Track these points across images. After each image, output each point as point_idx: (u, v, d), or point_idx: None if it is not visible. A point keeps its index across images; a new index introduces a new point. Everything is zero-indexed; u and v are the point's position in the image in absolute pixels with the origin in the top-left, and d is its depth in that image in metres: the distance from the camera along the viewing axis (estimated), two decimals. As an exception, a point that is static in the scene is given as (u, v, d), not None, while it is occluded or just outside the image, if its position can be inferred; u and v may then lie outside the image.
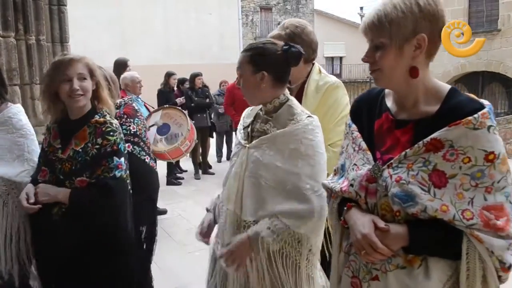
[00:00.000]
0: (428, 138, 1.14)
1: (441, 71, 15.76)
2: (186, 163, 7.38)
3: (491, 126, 1.11)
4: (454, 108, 1.15)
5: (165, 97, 6.52)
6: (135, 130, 2.43)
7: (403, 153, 1.17)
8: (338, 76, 26.19)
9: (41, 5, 4.14)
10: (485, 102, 1.17)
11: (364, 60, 1.26)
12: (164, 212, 5.10)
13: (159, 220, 4.86)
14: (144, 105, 4.76)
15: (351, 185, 1.27)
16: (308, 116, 1.68)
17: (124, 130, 2.31)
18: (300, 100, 1.97)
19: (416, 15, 1.16)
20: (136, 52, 11.08)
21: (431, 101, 1.21)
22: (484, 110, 1.12)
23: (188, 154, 7.28)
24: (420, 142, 1.15)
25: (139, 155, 2.42)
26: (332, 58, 26.77)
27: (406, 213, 1.15)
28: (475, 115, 1.10)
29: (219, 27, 12.72)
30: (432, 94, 1.22)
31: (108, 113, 2.02)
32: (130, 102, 2.51)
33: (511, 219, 1.11)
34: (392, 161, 1.20)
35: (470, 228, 1.09)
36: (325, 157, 1.68)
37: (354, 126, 1.36)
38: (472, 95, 1.21)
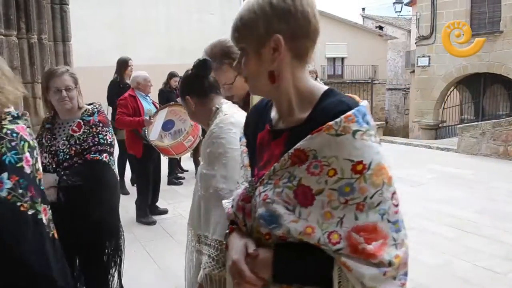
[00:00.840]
0: (292, 149, 0.98)
1: (443, 73, 15.75)
2: (188, 163, 7.38)
3: (357, 130, 0.94)
4: (321, 112, 1.00)
5: (166, 96, 6.52)
6: (111, 140, 2.42)
7: (272, 167, 1.02)
8: (340, 76, 26.17)
9: (43, 4, 4.14)
10: (362, 102, 1.02)
11: (234, 69, 1.20)
12: (165, 211, 5.10)
13: (159, 219, 4.92)
14: (152, 103, 4.91)
15: (232, 205, 1.15)
16: (225, 114, 1.68)
17: (101, 140, 2.34)
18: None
19: (268, 15, 1.00)
20: (138, 52, 11.07)
21: (306, 106, 1.05)
22: (349, 113, 0.95)
23: (190, 154, 7.29)
24: (286, 154, 0.99)
25: (112, 166, 2.43)
26: (334, 59, 26.70)
27: (276, 236, 1.00)
28: (337, 119, 0.94)
29: (221, 28, 12.71)
30: (306, 98, 1.05)
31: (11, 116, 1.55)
32: (101, 108, 2.50)
33: (388, 243, 0.94)
34: (264, 177, 1.05)
35: (337, 254, 0.93)
36: (239, 152, 1.68)
37: (243, 140, 1.24)
38: (350, 96, 1.05)
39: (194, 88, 1.73)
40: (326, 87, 1.08)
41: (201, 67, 1.68)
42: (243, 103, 1.99)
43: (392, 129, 24.98)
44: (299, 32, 1.01)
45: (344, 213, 0.94)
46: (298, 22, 1.00)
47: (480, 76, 15.44)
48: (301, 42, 1.03)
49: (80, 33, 7.92)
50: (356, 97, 1.06)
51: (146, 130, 4.45)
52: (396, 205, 0.98)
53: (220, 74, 1.84)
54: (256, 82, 1.08)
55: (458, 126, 10.41)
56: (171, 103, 4.93)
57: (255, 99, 1.93)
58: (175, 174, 6.92)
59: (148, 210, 4.85)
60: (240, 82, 1.86)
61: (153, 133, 4.46)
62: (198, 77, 1.71)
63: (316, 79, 9.07)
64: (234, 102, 1.87)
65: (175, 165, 6.85)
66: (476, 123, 9.93)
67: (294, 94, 1.06)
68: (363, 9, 37.12)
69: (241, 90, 1.96)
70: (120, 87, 5.68)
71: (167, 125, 4.50)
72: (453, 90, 16.37)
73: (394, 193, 0.98)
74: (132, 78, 4.86)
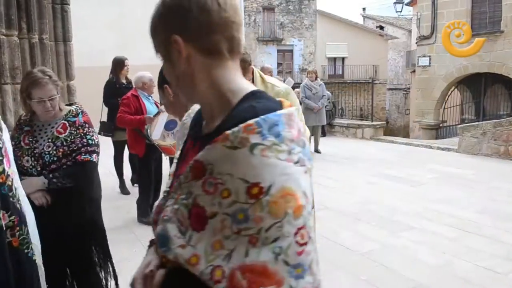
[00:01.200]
0: (192, 161, 0.84)
1: (443, 72, 15.74)
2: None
3: (257, 144, 0.76)
4: (229, 120, 0.85)
5: None
6: (97, 140, 2.44)
7: (179, 180, 0.89)
8: (340, 76, 26.16)
9: (45, 4, 4.15)
10: (284, 110, 0.83)
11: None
12: None
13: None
14: (155, 104, 4.86)
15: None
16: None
17: (89, 140, 2.35)
18: None
19: (164, 15, 0.91)
20: (139, 51, 11.08)
21: (225, 111, 0.90)
22: (250, 121, 0.78)
23: None
24: (188, 166, 0.85)
25: (97, 167, 2.47)
26: (335, 59, 26.71)
27: (171, 259, 0.87)
28: (235, 129, 0.78)
29: (221, 27, 12.77)
30: (226, 101, 0.90)
31: None
32: (84, 109, 2.49)
33: None
34: (172, 189, 0.92)
35: None
36: None
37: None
38: (277, 101, 0.89)
39: None
40: (251, 89, 0.91)
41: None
42: None
43: (392, 129, 24.96)
44: (200, 27, 0.87)
45: (235, 245, 0.76)
46: (196, 17, 0.86)
47: (481, 76, 15.43)
48: (207, 38, 0.88)
49: (81, 33, 7.92)
50: (286, 102, 0.89)
51: (148, 130, 4.46)
52: (303, 244, 0.77)
53: None
54: (177, 89, 0.97)
55: (459, 126, 10.41)
56: None
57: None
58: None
59: (149, 209, 4.85)
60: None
61: (156, 133, 4.47)
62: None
63: (316, 79, 9.04)
64: None
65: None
66: (477, 123, 9.91)
67: (214, 97, 0.91)
68: (364, 9, 37.18)
69: None
70: (116, 87, 5.62)
71: (170, 125, 4.51)
72: (453, 90, 16.36)
73: (301, 228, 0.77)
74: (136, 78, 4.82)
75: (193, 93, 0.93)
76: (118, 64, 5.71)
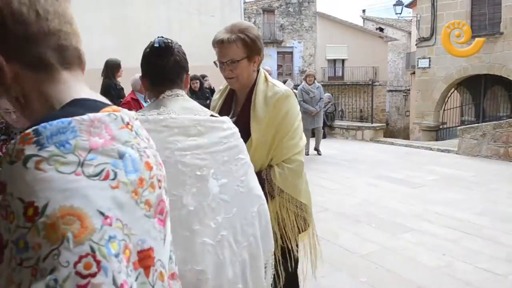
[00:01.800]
0: None
1: (443, 74, 15.76)
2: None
3: (30, 156, 0.64)
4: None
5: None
6: None
7: None
8: (340, 78, 26.19)
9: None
10: (74, 117, 0.70)
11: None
12: None
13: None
14: None
15: None
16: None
17: None
18: (248, 112, 1.93)
19: None
20: (139, 54, 11.09)
21: None
22: (27, 130, 0.67)
23: None
24: None
25: None
26: (335, 61, 26.75)
27: None
28: (13, 140, 0.67)
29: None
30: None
31: None
32: None
33: None
34: None
35: None
36: None
37: None
38: (99, 106, 0.78)
39: (146, 70, 1.61)
40: (74, 98, 0.78)
41: (153, 50, 1.53)
42: (244, 101, 1.99)
43: (392, 131, 24.99)
44: (19, 41, 0.76)
45: (21, 279, 0.63)
46: (12, 30, 0.75)
47: (481, 78, 15.45)
48: (29, 52, 0.77)
49: (81, 35, 7.93)
50: (110, 108, 0.78)
51: None
52: (87, 276, 0.62)
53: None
54: (19, 112, 0.83)
55: (459, 127, 10.42)
56: None
57: (259, 100, 1.91)
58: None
59: None
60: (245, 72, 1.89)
61: None
62: (148, 60, 1.58)
63: (314, 82, 9.01)
64: (236, 96, 1.96)
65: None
66: (476, 124, 9.93)
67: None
68: (364, 11, 37.23)
69: (246, 85, 1.96)
70: (118, 89, 5.62)
71: None
72: (453, 91, 16.37)
73: (86, 255, 0.62)
74: (135, 80, 4.77)
75: (31, 114, 0.79)
76: (116, 66, 5.63)
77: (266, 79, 1.98)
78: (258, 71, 1.97)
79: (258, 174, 1.78)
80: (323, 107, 9.36)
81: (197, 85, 7.07)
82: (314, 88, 8.79)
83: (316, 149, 9.05)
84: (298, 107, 2.03)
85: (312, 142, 8.86)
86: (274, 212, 1.94)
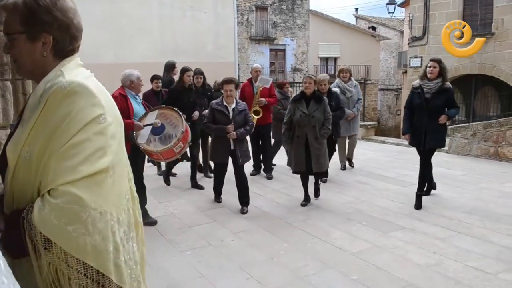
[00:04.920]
0: None
1: (435, 74, 15.82)
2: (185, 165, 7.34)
3: None
4: None
5: (177, 95, 5.89)
6: None
7: None
8: (333, 76, 26.25)
9: (35, 0, 4.10)
10: None
11: None
12: (154, 223, 4.72)
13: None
14: (142, 104, 4.68)
15: None
16: None
17: None
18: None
19: None
20: (131, 50, 11.02)
21: None
22: None
23: (185, 160, 7.20)
24: None
25: None
26: (327, 59, 26.80)
27: None
28: None
29: (214, 26, 12.66)
30: None
31: None
32: None
33: None
34: None
35: None
36: None
37: None
38: None
39: None
40: None
41: None
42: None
43: (384, 129, 25.10)
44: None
45: None
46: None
47: (472, 78, 15.56)
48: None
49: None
50: None
51: (134, 132, 4.32)
52: None
53: None
54: None
55: (449, 126, 10.47)
56: (161, 105, 4.79)
57: (35, 94, 1.35)
58: (167, 175, 6.67)
59: (147, 210, 4.74)
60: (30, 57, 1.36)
61: (142, 136, 4.35)
62: None
63: (350, 79, 7.48)
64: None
65: (168, 169, 6.62)
66: (467, 124, 9.99)
67: None
68: (356, 9, 37.31)
69: (34, 74, 1.41)
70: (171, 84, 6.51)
71: (157, 129, 4.39)
72: (444, 91, 16.44)
73: None
74: (125, 76, 4.55)
75: None
76: (171, 67, 6.86)
77: (67, 70, 1.40)
78: (65, 58, 1.43)
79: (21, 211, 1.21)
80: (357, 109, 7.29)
81: (200, 80, 6.57)
82: (351, 86, 7.11)
83: (349, 159, 7.62)
84: (94, 111, 1.28)
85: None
86: (44, 281, 1.23)
